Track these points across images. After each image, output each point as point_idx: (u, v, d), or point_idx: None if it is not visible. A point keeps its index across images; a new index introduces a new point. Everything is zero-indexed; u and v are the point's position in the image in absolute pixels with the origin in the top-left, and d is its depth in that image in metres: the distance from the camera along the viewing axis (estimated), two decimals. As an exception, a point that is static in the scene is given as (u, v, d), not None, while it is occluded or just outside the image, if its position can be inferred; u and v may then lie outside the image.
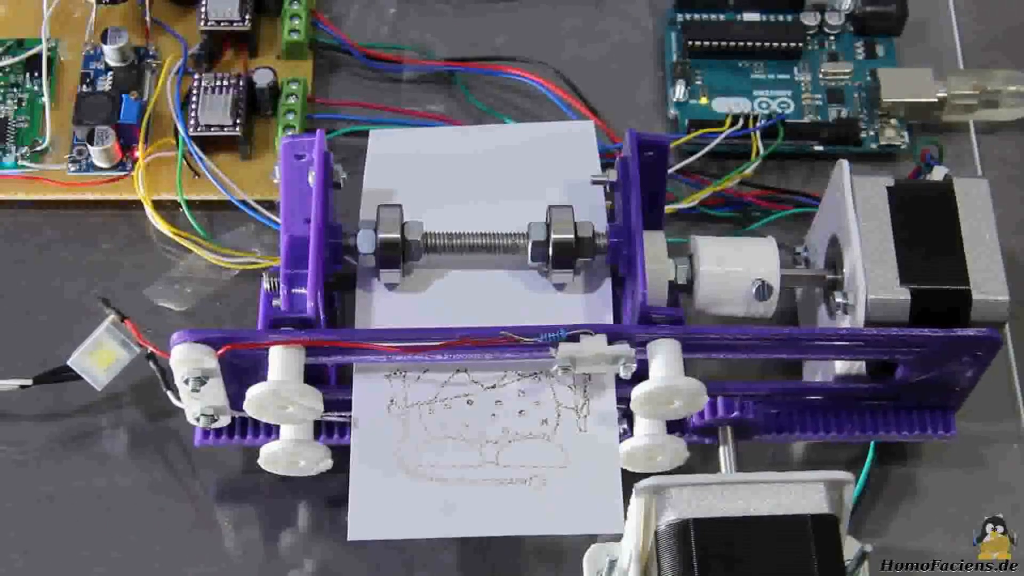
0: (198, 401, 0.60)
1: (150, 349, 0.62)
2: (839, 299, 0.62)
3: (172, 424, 0.65)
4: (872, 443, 0.65)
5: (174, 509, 0.65)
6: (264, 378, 0.59)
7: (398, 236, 0.62)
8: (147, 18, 0.75)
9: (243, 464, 0.65)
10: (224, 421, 0.61)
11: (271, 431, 0.62)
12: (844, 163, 0.63)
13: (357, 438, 0.60)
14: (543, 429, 0.61)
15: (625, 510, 0.55)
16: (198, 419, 0.61)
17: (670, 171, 0.68)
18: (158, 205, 0.71)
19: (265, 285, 0.63)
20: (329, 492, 0.64)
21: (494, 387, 0.61)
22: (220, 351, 0.57)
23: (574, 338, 0.59)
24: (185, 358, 0.57)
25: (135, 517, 0.64)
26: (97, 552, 0.64)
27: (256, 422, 0.62)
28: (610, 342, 0.59)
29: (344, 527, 0.59)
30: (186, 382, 0.58)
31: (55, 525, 0.64)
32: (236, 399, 0.60)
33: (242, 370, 0.59)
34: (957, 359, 0.61)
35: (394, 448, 0.60)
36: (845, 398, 0.64)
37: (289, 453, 0.60)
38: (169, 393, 0.61)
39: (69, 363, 0.63)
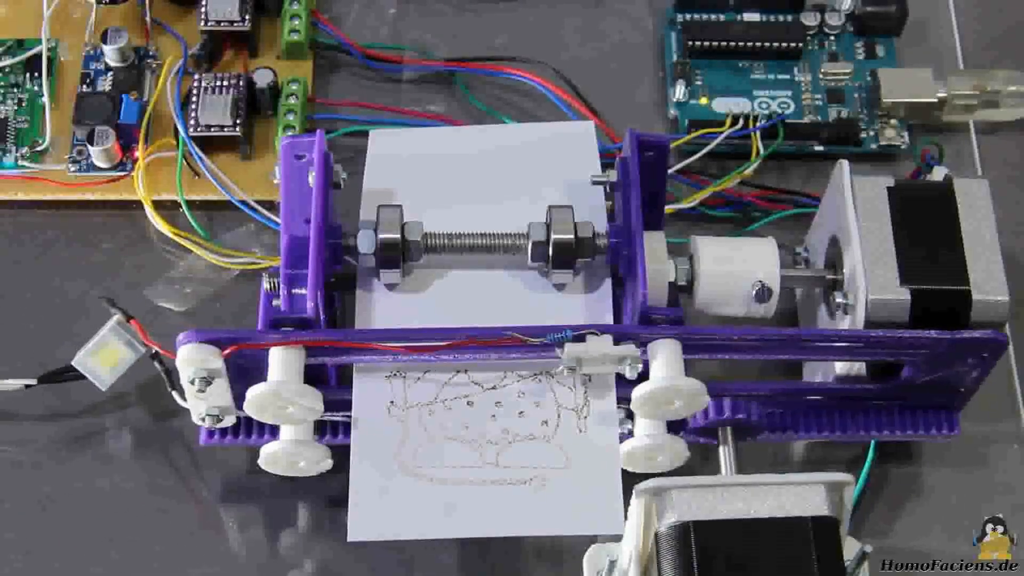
0: (203, 401, 0.60)
1: (155, 349, 0.62)
2: (839, 299, 0.62)
3: (176, 424, 0.65)
4: (872, 443, 0.65)
5: (177, 510, 0.65)
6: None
7: (398, 236, 0.62)
8: (147, 18, 0.75)
9: (247, 464, 0.65)
10: (229, 421, 0.62)
11: (276, 431, 0.62)
12: (844, 163, 0.63)
13: (357, 439, 0.60)
14: (543, 430, 0.61)
15: (625, 511, 0.55)
16: (203, 419, 0.61)
17: (670, 171, 0.68)
18: (158, 205, 0.71)
19: (265, 285, 0.63)
20: (329, 492, 0.64)
21: (494, 388, 0.61)
22: (226, 351, 0.57)
23: (580, 338, 0.59)
24: (191, 358, 0.57)
25: (137, 518, 0.65)
26: (98, 553, 0.64)
27: (261, 422, 0.62)
28: (616, 342, 0.59)
29: (344, 527, 0.59)
30: (192, 382, 0.58)
31: (57, 526, 0.64)
32: (241, 399, 0.60)
33: (248, 370, 0.59)
34: (962, 360, 0.61)
35: (394, 449, 0.60)
36: (845, 398, 0.64)
37: (289, 453, 0.60)
38: (174, 393, 0.61)
39: (73, 363, 0.64)
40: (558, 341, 0.58)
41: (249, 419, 0.61)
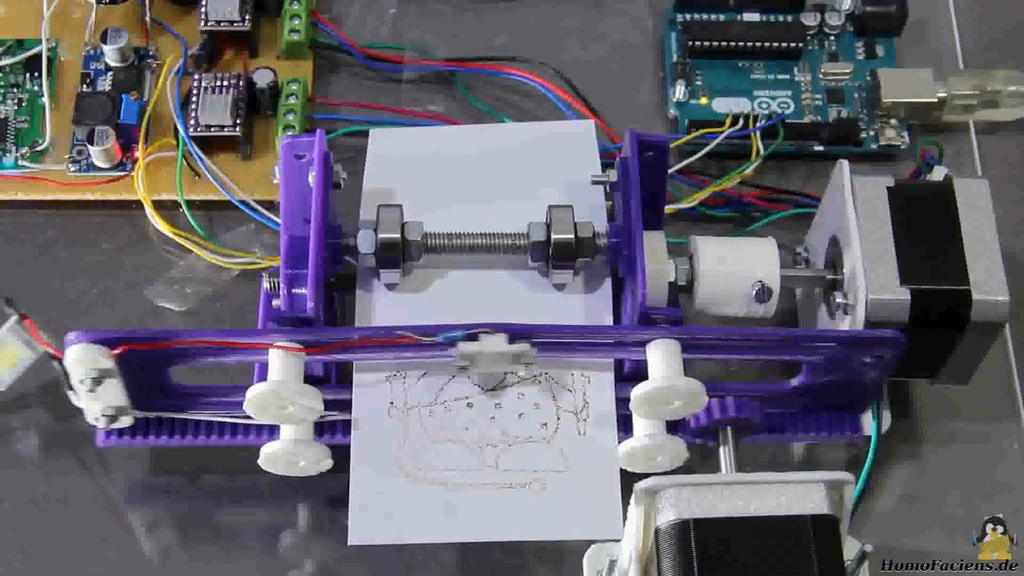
0: (97, 401, 0.59)
1: (50, 350, 0.60)
2: (839, 299, 0.62)
3: (80, 424, 0.63)
4: (872, 443, 0.65)
5: (172, 507, 0.65)
6: (166, 377, 0.59)
7: (398, 236, 0.62)
8: (147, 18, 0.75)
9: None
10: (126, 421, 0.61)
11: (174, 431, 0.62)
12: (844, 163, 0.63)
13: (357, 441, 0.60)
14: (543, 433, 0.61)
15: (625, 510, 0.55)
16: (97, 419, 0.60)
17: (670, 171, 0.68)
18: (158, 205, 0.71)
19: (265, 285, 0.63)
20: (329, 492, 0.64)
21: (494, 390, 0.61)
22: (116, 351, 0.57)
23: (473, 337, 0.58)
24: (81, 358, 0.57)
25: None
26: (94, 553, 0.64)
27: (160, 421, 0.62)
28: (510, 341, 0.58)
29: (344, 527, 0.59)
30: (82, 382, 0.58)
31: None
32: (138, 399, 0.60)
33: (141, 370, 0.59)
34: (860, 360, 0.60)
35: (394, 451, 0.60)
36: (764, 399, 0.64)
37: (289, 453, 0.60)
38: (70, 393, 0.60)
39: None
40: (451, 340, 0.58)
41: (148, 419, 0.61)
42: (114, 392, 0.59)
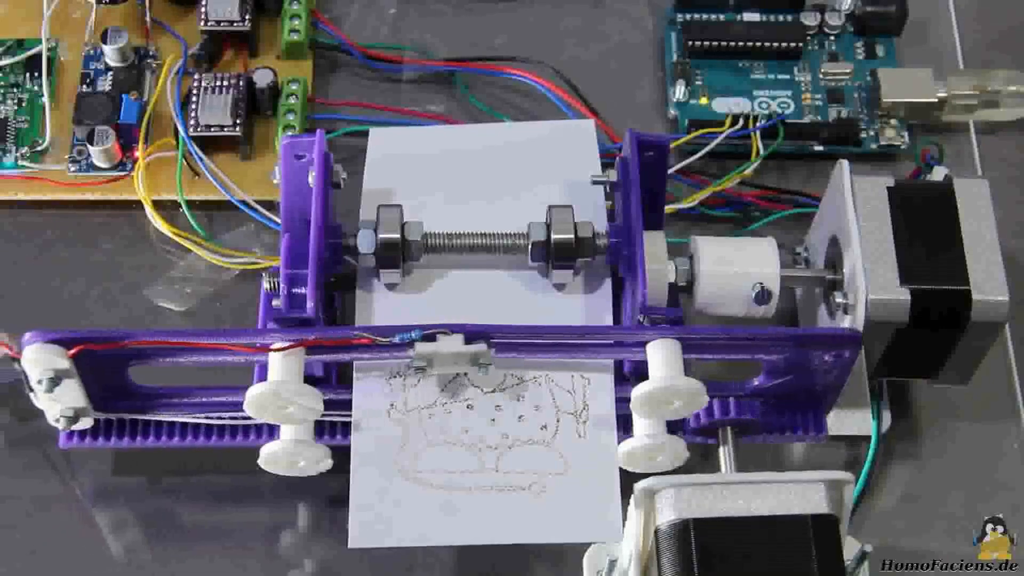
0: (56, 402, 0.59)
1: (8, 351, 0.59)
2: (839, 299, 0.62)
3: (44, 425, 0.62)
4: (872, 442, 0.65)
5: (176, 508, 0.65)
6: (126, 377, 0.59)
7: (398, 236, 0.62)
8: (147, 18, 0.75)
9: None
10: (86, 423, 0.61)
11: (136, 433, 0.61)
12: (844, 163, 0.63)
13: (357, 443, 0.60)
14: (543, 435, 0.61)
15: (625, 510, 0.55)
16: (58, 420, 0.60)
17: (670, 171, 0.68)
18: (158, 205, 0.71)
19: (265, 285, 0.63)
20: (329, 492, 0.64)
21: (494, 391, 0.61)
22: (72, 351, 0.57)
23: (431, 338, 0.58)
24: (37, 359, 0.57)
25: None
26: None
27: (122, 423, 0.61)
28: (467, 342, 0.58)
29: (344, 527, 0.59)
30: (40, 383, 0.57)
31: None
32: (99, 399, 0.60)
33: (100, 370, 0.59)
34: (820, 358, 0.60)
35: (394, 454, 0.60)
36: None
37: (289, 453, 0.60)
38: (32, 394, 0.59)
39: None
40: (408, 341, 0.58)
41: (109, 420, 0.61)
42: (73, 393, 0.59)
